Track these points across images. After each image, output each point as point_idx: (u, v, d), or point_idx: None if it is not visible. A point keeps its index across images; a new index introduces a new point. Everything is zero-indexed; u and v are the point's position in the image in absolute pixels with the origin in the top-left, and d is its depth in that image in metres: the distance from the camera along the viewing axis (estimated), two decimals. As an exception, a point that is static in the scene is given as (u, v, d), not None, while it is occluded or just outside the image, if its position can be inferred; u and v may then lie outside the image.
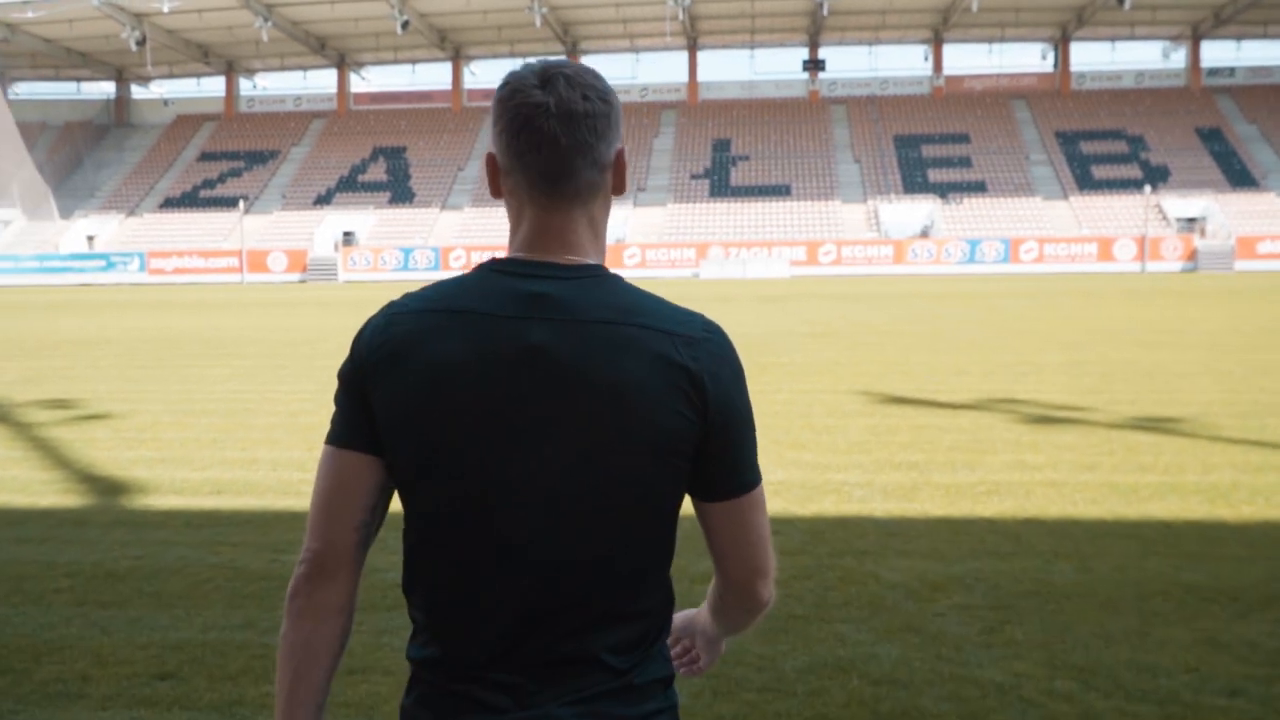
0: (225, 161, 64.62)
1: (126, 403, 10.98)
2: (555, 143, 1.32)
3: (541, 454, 1.30)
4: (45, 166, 63.28)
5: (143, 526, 6.02)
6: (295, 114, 68.81)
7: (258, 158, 64.73)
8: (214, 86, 70.38)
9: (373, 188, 61.24)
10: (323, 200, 60.26)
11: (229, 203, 59.13)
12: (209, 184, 62.44)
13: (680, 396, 1.29)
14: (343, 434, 1.36)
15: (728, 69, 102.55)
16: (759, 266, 48.99)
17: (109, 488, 7.02)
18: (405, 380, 1.31)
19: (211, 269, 54.69)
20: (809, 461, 7.60)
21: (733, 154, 59.56)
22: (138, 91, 71.35)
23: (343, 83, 68.22)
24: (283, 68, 69.61)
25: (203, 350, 16.71)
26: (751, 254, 50.25)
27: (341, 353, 1.42)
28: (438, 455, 1.31)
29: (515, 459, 1.30)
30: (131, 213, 60.84)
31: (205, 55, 65.94)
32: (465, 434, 1.30)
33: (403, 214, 58.75)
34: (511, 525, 1.31)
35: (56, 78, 69.62)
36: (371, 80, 70.48)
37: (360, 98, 68.95)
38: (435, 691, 1.35)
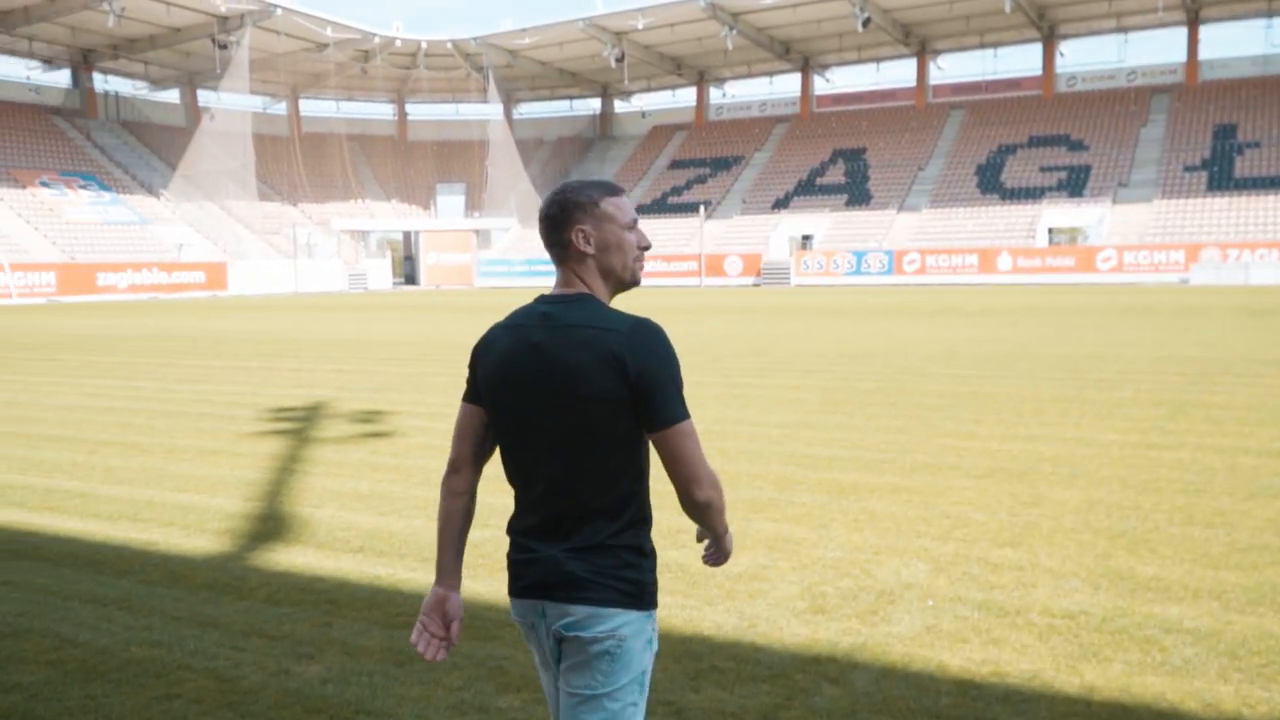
0: (692, 169, 67.04)
1: (430, 419, 10.55)
2: (541, 232, 2.27)
3: (540, 405, 2.16)
4: (538, 179, 69.49)
5: (224, 594, 5.09)
6: (760, 119, 69.84)
7: (722, 164, 66.42)
8: (687, 97, 73.41)
9: (830, 190, 60.37)
10: (780, 204, 60.43)
11: (692, 208, 61.10)
12: (676, 190, 65.07)
13: (611, 370, 2.09)
14: (466, 393, 2.31)
15: (1235, 44, 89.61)
16: (1265, 271, 41.55)
17: (267, 532, 6.25)
18: (488, 366, 2.24)
19: (673, 273, 56.82)
20: (1141, 578, 5.05)
21: (1239, 140, 51.37)
22: (619, 106, 76.25)
23: (806, 85, 68.13)
24: (749, 74, 70.95)
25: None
26: (1256, 256, 42.79)
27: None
28: (497, 406, 2.24)
29: (528, 407, 2.18)
30: (606, 219, 64.85)
31: (678, 67, 68.85)
32: (508, 393, 2.20)
33: (858, 216, 57.30)
34: (529, 446, 2.20)
35: (551, 97, 76.31)
36: (835, 81, 69.70)
37: (823, 100, 68.46)
38: (513, 545, 2.27)
